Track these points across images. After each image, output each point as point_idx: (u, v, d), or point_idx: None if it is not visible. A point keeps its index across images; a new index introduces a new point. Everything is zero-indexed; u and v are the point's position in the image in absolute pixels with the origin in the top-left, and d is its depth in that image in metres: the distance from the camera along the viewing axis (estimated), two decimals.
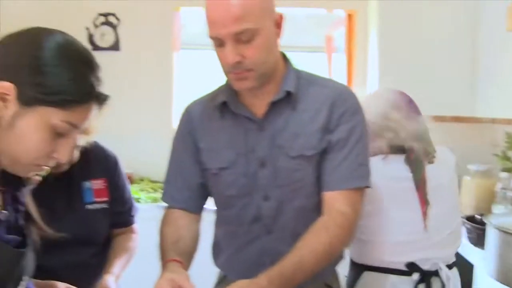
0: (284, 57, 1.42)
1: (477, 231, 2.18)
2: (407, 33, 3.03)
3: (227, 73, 1.32)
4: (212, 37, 1.27)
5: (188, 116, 1.48)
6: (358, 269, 1.70)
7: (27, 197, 1.11)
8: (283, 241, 1.36)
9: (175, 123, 3.45)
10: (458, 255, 2.24)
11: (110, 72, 3.67)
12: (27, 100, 0.91)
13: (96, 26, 3.51)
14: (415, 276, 1.61)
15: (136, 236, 1.82)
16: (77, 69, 0.95)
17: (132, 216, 1.80)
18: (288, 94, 1.35)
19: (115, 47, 3.50)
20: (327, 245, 1.27)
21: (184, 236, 1.38)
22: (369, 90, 3.24)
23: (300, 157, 1.34)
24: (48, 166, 1.01)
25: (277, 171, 1.35)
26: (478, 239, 2.20)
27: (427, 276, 1.62)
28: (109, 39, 3.51)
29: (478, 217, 2.29)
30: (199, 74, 5.32)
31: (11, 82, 0.90)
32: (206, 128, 1.44)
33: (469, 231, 2.34)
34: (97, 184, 1.65)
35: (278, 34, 1.33)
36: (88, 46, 3.43)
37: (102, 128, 3.65)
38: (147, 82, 3.50)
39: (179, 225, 1.40)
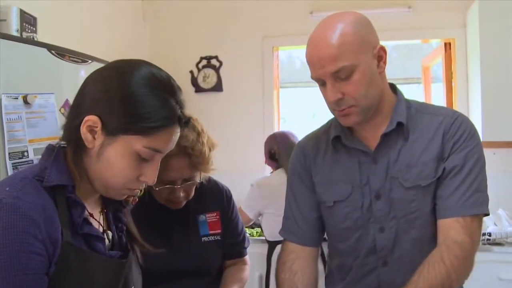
0: (393, 88, 1.43)
1: None
2: (510, 58, 2.94)
3: (332, 110, 1.36)
4: (313, 78, 1.32)
5: (302, 152, 1.53)
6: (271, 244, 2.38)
7: (127, 217, 1.20)
8: (400, 273, 1.35)
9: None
10: None
11: (213, 112, 3.93)
12: (111, 130, 0.98)
13: (199, 69, 3.74)
14: None
15: (248, 267, 1.85)
16: (157, 95, 0.99)
17: (245, 248, 1.83)
18: (399, 124, 1.35)
19: (217, 88, 3.70)
20: (445, 278, 1.23)
21: (299, 282, 1.43)
22: (473, 117, 3.18)
23: (416, 187, 1.33)
24: (139, 189, 1.08)
25: (392, 203, 1.35)
26: None
27: None
28: (212, 80, 3.71)
29: None
30: (297, 111, 5.44)
31: (98, 115, 0.98)
32: (320, 162, 1.47)
33: None
34: (211, 217, 1.71)
35: (381, 67, 1.32)
36: (191, 88, 3.71)
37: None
38: (249, 121, 3.65)
39: (294, 270, 1.45)
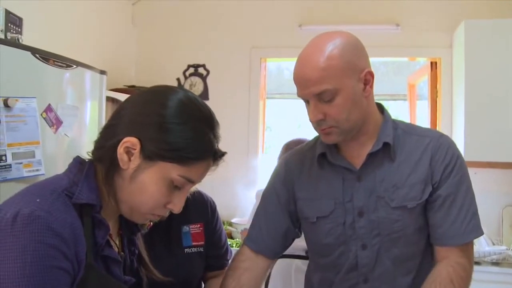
0: (380, 108, 1.45)
1: None
2: (494, 80, 2.98)
3: (314, 128, 1.38)
4: (299, 96, 1.34)
5: (285, 167, 1.54)
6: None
7: (140, 241, 1.19)
8: None
9: (261, 169, 3.58)
10: None
11: None
12: (150, 155, 0.98)
13: (186, 77, 3.73)
14: None
15: None
16: (198, 127, 1.00)
17: (227, 260, 1.80)
18: (386, 145, 1.37)
19: (203, 96, 3.69)
20: None
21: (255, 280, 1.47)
22: (456, 136, 3.21)
23: (402, 208, 1.35)
24: (162, 215, 1.08)
25: (376, 221, 1.37)
26: None
27: None
28: (198, 89, 3.71)
29: None
30: (283, 121, 5.46)
31: (136, 137, 0.98)
32: (305, 178, 1.48)
33: None
34: (195, 228, 1.69)
35: (367, 91, 1.33)
36: None
37: None
38: (234, 130, 3.64)
39: (241, 282, 1.46)
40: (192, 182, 1.04)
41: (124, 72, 3.59)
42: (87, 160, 1.05)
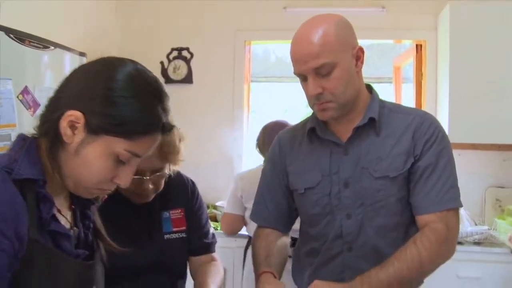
0: (369, 88, 1.53)
1: None
2: (478, 62, 2.98)
3: (312, 105, 1.44)
4: (296, 74, 1.41)
5: (279, 143, 1.63)
6: (249, 239, 2.38)
7: (95, 215, 1.16)
8: (363, 259, 1.44)
9: (245, 153, 3.57)
10: None
11: (183, 104, 3.87)
12: (94, 129, 0.95)
13: (169, 60, 3.69)
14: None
15: (219, 263, 1.79)
16: (146, 100, 0.97)
17: (211, 243, 1.79)
18: (372, 120, 1.44)
19: (187, 80, 3.66)
20: (415, 256, 1.33)
21: (274, 251, 1.51)
22: (440, 119, 3.22)
23: (384, 178, 1.42)
24: (110, 190, 1.05)
25: (360, 191, 1.43)
26: None
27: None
28: (182, 72, 3.67)
29: None
30: (270, 105, 5.44)
31: (81, 111, 0.95)
32: (295, 153, 1.57)
33: None
34: (175, 213, 1.68)
35: (358, 66, 1.42)
36: (161, 79, 3.66)
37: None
38: (218, 114, 3.62)
39: (269, 240, 1.55)
40: (139, 156, 1.01)
41: (107, 55, 3.53)
42: (30, 136, 1.02)
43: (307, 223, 1.57)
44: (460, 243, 2.82)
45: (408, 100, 3.77)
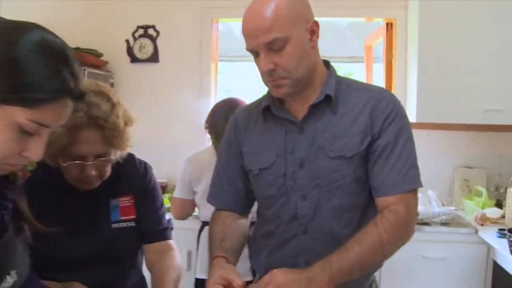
0: (326, 64, 1.48)
1: None
2: (447, 42, 2.94)
3: (266, 82, 1.38)
4: (248, 50, 1.35)
5: (234, 123, 1.57)
6: (202, 224, 2.44)
7: (17, 194, 1.07)
8: (318, 241, 1.40)
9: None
10: (499, 268, 2.18)
11: (149, 84, 3.77)
12: None
13: (135, 39, 3.58)
14: None
15: (176, 252, 1.69)
16: (49, 65, 0.90)
17: (167, 229, 1.69)
18: (328, 97, 1.39)
19: (153, 59, 3.56)
20: (376, 237, 1.28)
21: (230, 234, 1.46)
22: (409, 98, 3.18)
23: (340, 157, 1.37)
24: (21, 165, 0.97)
25: (315, 172, 1.38)
26: None
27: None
28: (148, 51, 3.57)
29: None
30: (235, 85, 5.35)
31: None
32: (250, 132, 1.51)
33: (510, 245, 2.23)
34: (124, 201, 1.58)
35: (313, 41, 1.37)
36: (127, 58, 3.56)
37: (139, 138, 3.68)
38: (185, 93, 3.53)
39: (226, 223, 1.50)
40: (47, 126, 0.93)
41: (69, 35, 3.40)
42: None
43: (263, 205, 1.53)
44: (427, 223, 2.81)
45: (378, 80, 3.73)
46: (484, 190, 3.03)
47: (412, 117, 3.11)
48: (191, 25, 3.54)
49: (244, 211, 1.58)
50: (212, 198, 1.60)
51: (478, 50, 2.90)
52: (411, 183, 1.36)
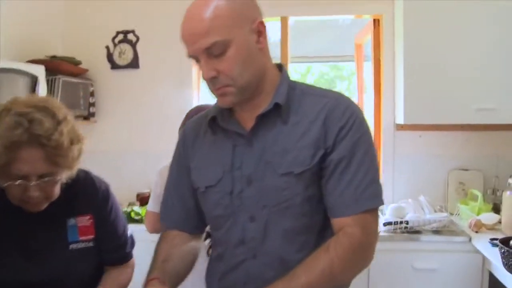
0: (280, 67, 1.35)
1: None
2: (433, 39, 2.77)
3: (210, 90, 1.26)
4: (189, 56, 1.23)
5: (183, 136, 1.45)
6: None
7: None
8: (269, 267, 1.26)
9: None
10: (495, 279, 2.03)
11: (130, 90, 3.64)
12: None
13: (115, 44, 3.46)
14: None
15: (131, 270, 1.68)
16: None
17: (127, 252, 1.65)
18: (277, 106, 1.25)
19: (134, 64, 3.44)
20: (327, 264, 1.16)
21: (175, 255, 1.34)
22: (397, 98, 3.02)
23: (288, 174, 1.22)
24: None
25: (263, 190, 1.25)
26: None
27: None
28: (128, 57, 3.45)
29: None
30: None
31: None
32: (198, 145, 1.39)
33: (503, 257, 2.08)
34: (83, 220, 1.52)
35: (261, 42, 1.23)
36: (107, 65, 3.44)
37: (122, 146, 3.57)
38: (167, 100, 3.41)
39: (173, 243, 1.38)
40: None
41: (49, 42, 3.30)
42: None
43: (212, 226, 1.41)
44: (418, 232, 2.65)
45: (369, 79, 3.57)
46: (479, 194, 2.86)
47: (400, 119, 2.96)
48: (171, 29, 3.37)
49: (196, 231, 1.45)
50: (162, 217, 1.47)
51: (467, 48, 2.74)
52: (369, 202, 1.22)
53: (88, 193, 1.54)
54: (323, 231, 1.28)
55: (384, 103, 3.19)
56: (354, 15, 3.54)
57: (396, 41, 3.07)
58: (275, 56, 3.58)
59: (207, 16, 1.16)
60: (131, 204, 3.18)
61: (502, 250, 2.06)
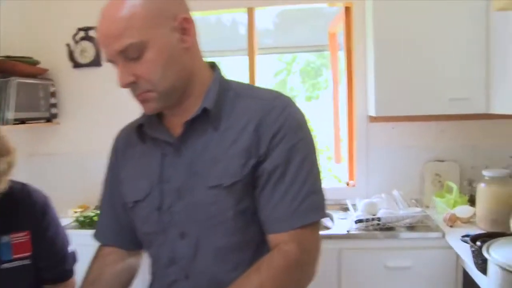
0: (213, 67, 1.24)
1: (482, 258, 1.82)
2: (405, 27, 2.64)
3: (133, 96, 1.16)
4: (107, 61, 1.13)
5: (115, 144, 1.35)
6: None
7: None
8: None
9: None
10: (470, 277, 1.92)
11: (92, 90, 3.48)
12: None
13: (76, 42, 3.32)
14: None
15: (73, 281, 1.58)
16: None
17: (67, 270, 1.56)
18: (206, 111, 1.15)
19: (96, 62, 3.29)
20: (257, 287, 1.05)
21: (106, 274, 1.27)
22: (369, 90, 2.90)
23: (218, 187, 1.12)
24: None
25: (193, 204, 1.15)
26: (485, 267, 1.84)
27: None
28: (90, 54, 3.30)
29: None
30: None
31: None
32: (129, 155, 1.28)
33: (473, 255, 1.97)
34: (18, 237, 1.42)
35: (186, 41, 1.12)
36: (69, 63, 3.30)
37: (87, 147, 3.41)
38: (131, 98, 3.26)
39: (107, 261, 1.29)
40: None
41: (4, 41, 3.15)
42: None
43: (144, 243, 1.30)
44: (391, 228, 2.55)
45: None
46: (455, 186, 2.76)
47: (371, 111, 2.84)
48: None
49: (133, 247, 1.33)
50: (95, 233, 1.37)
51: (439, 37, 2.61)
52: (306, 216, 1.11)
53: (24, 207, 1.45)
54: (261, 247, 1.17)
55: (357, 95, 3.07)
56: (327, 3, 3.40)
57: (367, 30, 2.95)
58: (242, 47, 3.43)
59: (121, 16, 1.06)
60: (97, 207, 3.07)
61: (473, 249, 1.96)
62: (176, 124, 1.19)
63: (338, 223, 2.73)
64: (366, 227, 2.54)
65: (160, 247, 1.21)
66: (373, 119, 2.98)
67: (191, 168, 1.15)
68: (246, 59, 3.28)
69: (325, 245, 2.46)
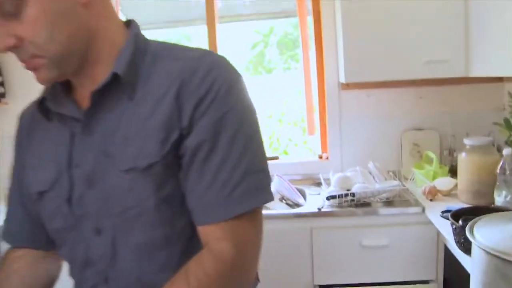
0: (128, 25, 1.00)
1: (464, 237, 1.63)
2: None
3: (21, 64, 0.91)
4: None
5: (19, 124, 1.11)
6: None
7: None
8: None
9: None
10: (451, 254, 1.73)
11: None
12: None
13: None
14: None
15: None
16: None
17: None
18: (118, 77, 0.92)
19: None
20: None
21: (13, 283, 1.04)
22: (339, 55, 2.67)
23: (133, 170, 0.91)
24: None
25: (106, 192, 0.94)
26: (468, 247, 1.66)
27: None
28: None
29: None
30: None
31: None
32: (32, 137, 1.06)
33: (454, 233, 1.79)
34: None
35: None
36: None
37: None
38: None
39: (17, 266, 1.07)
40: None
41: None
42: None
43: (55, 242, 1.07)
44: (367, 204, 2.36)
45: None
46: (434, 156, 2.57)
47: (341, 77, 2.62)
48: None
49: (52, 247, 1.10)
50: (4, 232, 1.13)
51: None
52: (242, 203, 0.89)
53: None
54: (192, 240, 0.96)
55: (327, 61, 2.84)
56: None
57: None
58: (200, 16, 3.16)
59: None
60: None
61: (454, 226, 1.77)
62: (84, 96, 0.97)
63: (310, 200, 2.53)
64: (339, 203, 2.35)
65: (74, 246, 1.01)
66: (345, 86, 2.76)
67: (102, 148, 0.94)
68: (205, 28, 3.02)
69: (295, 224, 2.32)
